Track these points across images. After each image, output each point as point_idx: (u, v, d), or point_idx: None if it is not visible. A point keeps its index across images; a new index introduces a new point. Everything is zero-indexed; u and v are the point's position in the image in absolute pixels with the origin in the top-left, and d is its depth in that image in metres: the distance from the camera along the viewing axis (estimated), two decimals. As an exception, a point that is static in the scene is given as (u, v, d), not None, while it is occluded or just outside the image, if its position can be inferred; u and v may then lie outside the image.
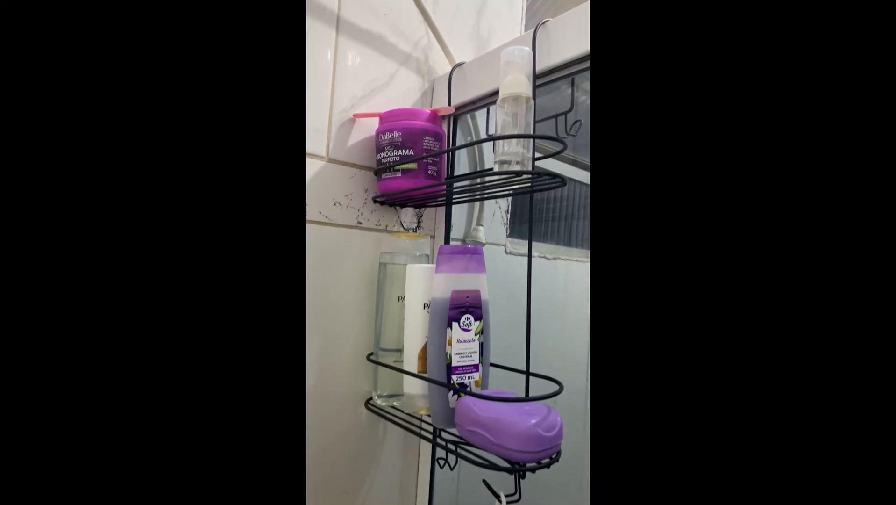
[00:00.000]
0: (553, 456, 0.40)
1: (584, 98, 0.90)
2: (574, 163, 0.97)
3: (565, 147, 0.43)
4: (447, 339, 0.48)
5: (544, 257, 0.88)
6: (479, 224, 0.72)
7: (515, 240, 0.80)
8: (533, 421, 0.39)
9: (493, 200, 0.76)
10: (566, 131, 0.55)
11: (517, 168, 0.44)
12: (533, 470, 0.39)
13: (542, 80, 0.50)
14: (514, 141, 0.45)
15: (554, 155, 0.47)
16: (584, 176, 1.00)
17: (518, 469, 0.40)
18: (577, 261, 0.97)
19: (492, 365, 0.52)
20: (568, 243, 0.97)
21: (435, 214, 0.67)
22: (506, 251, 0.79)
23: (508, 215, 0.79)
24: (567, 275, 0.94)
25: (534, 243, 0.49)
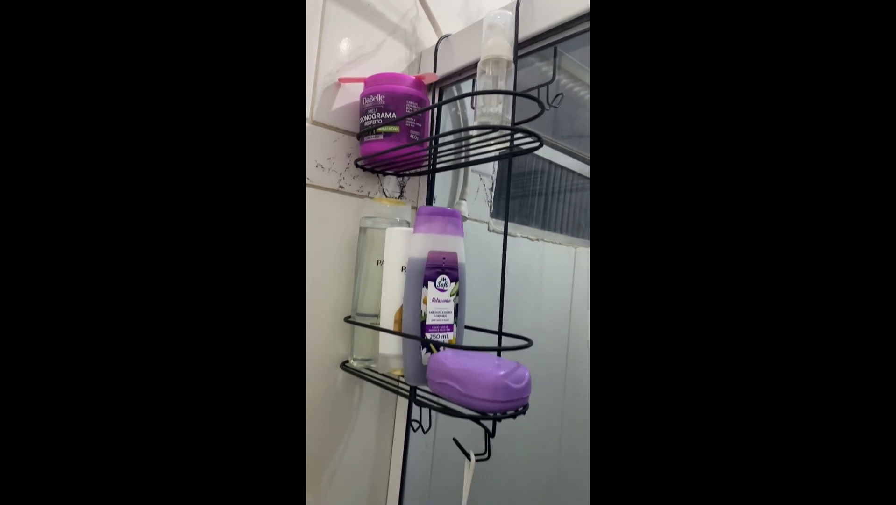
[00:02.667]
0: (520, 408, 0.41)
1: (565, 81, 0.91)
2: (554, 147, 0.98)
3: (544, 109, 0.44)
4: (423, 297, 0.48)
5: (527, 238, 0.89)
6: (462, 198, 0.73)
7: (499, 220, 0.81)
8: (501, 372, 0.40)
9: (477, 176, 0.76)
10: (548, 103, 0.56)
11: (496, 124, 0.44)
12: (499, 419, 0.40)
13: (525, 48, 0.51)
14: (494, 102, 0.46)
15: (533, 119, 0.48)
16: (565, 160, 1.01)
17: (483, 417, 0.40)
18: (558, 244, 0.98)
19: (466, 327, 0.52)
20: (547, 227, 0.98)
21: (418, 185, 0.67)
22: (489, 228, 0.79)
23: (493, 193, 0.80)
24: (544, 256, 0.95)
25: (519, 225, 0.49)
